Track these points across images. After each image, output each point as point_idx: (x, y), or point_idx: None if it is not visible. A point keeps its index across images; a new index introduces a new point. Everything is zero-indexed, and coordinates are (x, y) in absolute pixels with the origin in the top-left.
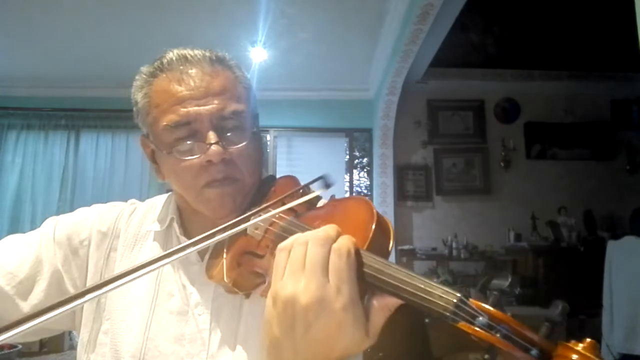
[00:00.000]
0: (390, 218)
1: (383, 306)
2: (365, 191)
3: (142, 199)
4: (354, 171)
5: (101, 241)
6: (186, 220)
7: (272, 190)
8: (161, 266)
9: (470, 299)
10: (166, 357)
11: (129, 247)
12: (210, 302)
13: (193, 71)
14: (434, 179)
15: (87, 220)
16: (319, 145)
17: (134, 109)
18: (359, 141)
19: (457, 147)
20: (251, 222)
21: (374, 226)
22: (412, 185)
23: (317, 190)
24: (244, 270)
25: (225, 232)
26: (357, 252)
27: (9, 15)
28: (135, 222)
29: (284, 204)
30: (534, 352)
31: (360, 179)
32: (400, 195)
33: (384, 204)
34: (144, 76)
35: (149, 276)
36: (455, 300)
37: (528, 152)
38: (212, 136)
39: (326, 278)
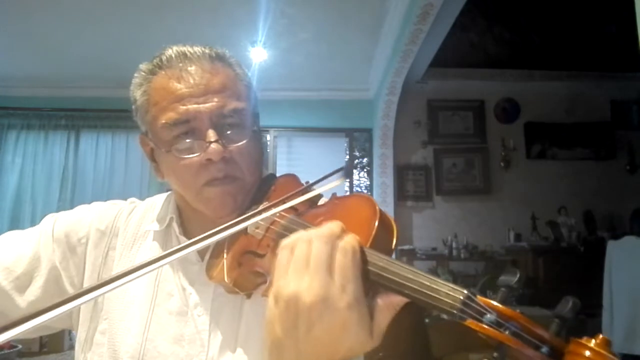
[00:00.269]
0: None
1: (388, 305)
2: (366, 191)
3: (142, 198)
4: (354, 171)
5: (99, 239)
6: (186, 220)
7: (272, 189)
8: (160, 266)
9: (478, 296)
10: (165, 358)
11: (127, 246)
12: (209, 303)
13: (192, 68)
14: (434, 179)
15: (85, 218)
16: (319, 145)
17: (133, 106)
18: (359, 141)
19: (457, 147)
20: (252, 220)
21: (377, 223)
22: (412, 185)
23: (336, 181)
24: (244, 270)
25: (225, 231)
26: (362, 250)
27: (9, 15)
28: (135, 221)
29: (285, 202)
30: (545, 349)
31: (360, 179)
32: (400, 195)
33: (384, 204)
34: (143, 73)
35: (148, 276)
36: (462, 297)
37: (528, 152)
38: (211, 134)
39: (330, 276)
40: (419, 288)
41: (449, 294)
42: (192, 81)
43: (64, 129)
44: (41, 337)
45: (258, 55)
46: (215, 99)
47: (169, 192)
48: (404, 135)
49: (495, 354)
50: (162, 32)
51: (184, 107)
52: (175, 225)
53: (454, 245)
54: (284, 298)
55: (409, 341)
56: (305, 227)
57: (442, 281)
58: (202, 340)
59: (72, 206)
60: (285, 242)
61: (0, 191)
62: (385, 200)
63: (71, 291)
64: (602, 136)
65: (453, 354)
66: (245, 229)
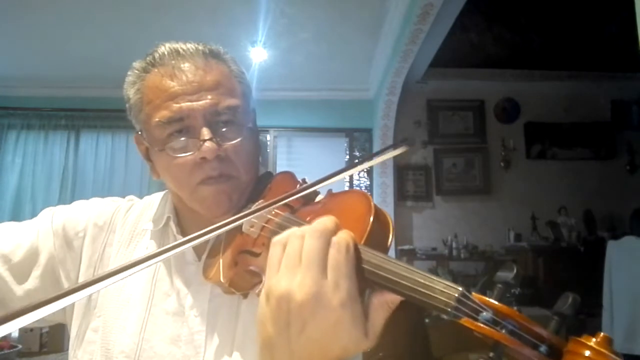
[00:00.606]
0: None
1: (382, 303)
2: (366, 191)
3: (141, 198)
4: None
5: (97, 235)
6: (182, 219)
7: (269, 187)
8: (156, 262)
9: (474, 293)
10: (162, 358)
11: (124, 243)
12: (206, 304)
13: (186, 65)
14: (434, 179)
15: (84, 213)
16: (319, 145)
17: (127, 105)
18: (359, 141)
19: (457, 147)
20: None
21: (371, 219)
22: (412, 185)
23: (399, 149)
24: (240, 270)
25: (220, 229)
26: (356, 247)
27: (9, 15)
28: (132, 218)
29: (282, 200)
30: (543, 348)
31: (360, 179)
32: (400, 195)
33: (384, 204)
34: (136, 71)
35: (144, 275)
36: (456, 295)
37: (528, 152)
38: (205, 132)
39: (323, 273)
40: (412, 285)
41: (444, 292)
42: (185, 79)
43: (64, 129)
44: (41, 337)
45: (258, 55)
46: (209, 97)
47: (165, 191)
48: (404, 135)
49: (491, 354)
50: (162, 32)
51: (177, 105)
52: (172, 225)
53: (454, 245)
54: (275, 296)
55: (409, 341)
56: (299, 224)
57: (437, 278)
58: (198, 341)
59: None
60: (277, 238)
61: (0, 191)
62: (385, 200)
63: (66, 284)
64: (602, 136)
65: (453, 354)
66: (241, 227)
